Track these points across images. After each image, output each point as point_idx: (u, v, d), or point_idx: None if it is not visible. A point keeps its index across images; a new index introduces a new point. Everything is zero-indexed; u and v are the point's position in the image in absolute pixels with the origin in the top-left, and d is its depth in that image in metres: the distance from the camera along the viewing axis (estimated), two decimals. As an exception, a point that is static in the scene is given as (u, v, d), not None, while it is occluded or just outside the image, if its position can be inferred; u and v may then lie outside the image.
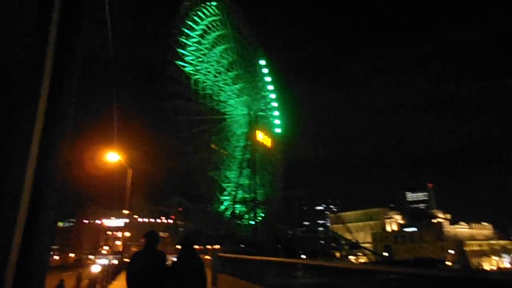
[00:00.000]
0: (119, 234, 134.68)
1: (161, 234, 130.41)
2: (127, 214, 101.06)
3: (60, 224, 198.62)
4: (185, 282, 7.23)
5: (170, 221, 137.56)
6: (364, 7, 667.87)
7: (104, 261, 76.28)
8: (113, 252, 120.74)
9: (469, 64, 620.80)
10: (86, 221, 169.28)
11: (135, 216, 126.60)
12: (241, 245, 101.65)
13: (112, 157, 27.23)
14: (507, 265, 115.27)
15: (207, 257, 16.57)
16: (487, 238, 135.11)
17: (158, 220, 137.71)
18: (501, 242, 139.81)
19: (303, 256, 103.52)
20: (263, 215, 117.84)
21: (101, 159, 29.22)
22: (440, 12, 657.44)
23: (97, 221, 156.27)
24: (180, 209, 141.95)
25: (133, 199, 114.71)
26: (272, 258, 8.38)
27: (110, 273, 21.67)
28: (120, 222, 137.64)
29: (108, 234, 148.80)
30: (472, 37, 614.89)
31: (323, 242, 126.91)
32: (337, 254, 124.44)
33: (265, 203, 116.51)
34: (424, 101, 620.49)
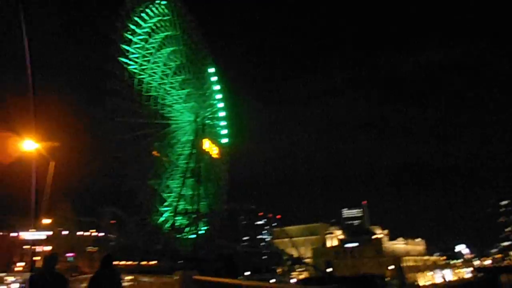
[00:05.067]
0: (39, 248, 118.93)
1: (89, 249, 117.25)
2: (49, 224, 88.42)
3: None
4: None
5: (101, 234, 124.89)
6: (315, 27, 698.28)
7: (18, 281, 64.83)
8: (31, 269, 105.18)
9: (405, 90, 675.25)
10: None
11: (59, 228, 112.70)
12: (179, 261, 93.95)
13: (28, 145, 20.66)
14: (439, 280, 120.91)
15: (165, 279, 10.70)
16: (421, 254, 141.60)
17: (87, 233, 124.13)
18: (433, 258, 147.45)
19: (247, 273, 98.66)
20: (205, 228, 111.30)
21: (15, 149, 22.42)
22: (384, 39, 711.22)
23: (12, 234, 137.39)
24: (113, 221, 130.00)
25: (58, 207, 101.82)
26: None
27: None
28: (40, 235, 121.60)
29: (25, 249, 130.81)
30: (414, 65, 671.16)
31: (265, 257, 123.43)
32: (279, 270, 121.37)
33: (208, 215, 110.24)
34: (363, 123, 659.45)
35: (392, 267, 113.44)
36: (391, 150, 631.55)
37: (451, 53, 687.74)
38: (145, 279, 15.85)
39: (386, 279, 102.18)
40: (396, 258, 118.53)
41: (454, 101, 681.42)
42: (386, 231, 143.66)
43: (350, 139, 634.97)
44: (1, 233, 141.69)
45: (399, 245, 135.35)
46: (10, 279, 75.42)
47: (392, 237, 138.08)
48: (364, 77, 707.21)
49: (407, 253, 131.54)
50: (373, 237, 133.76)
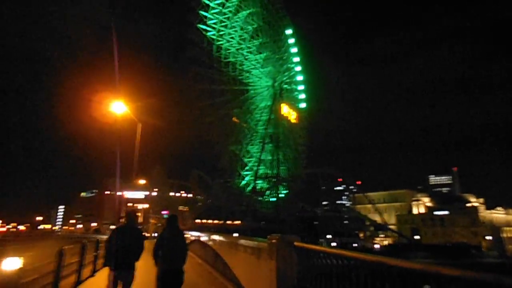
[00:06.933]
0: (140, 206, 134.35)
1: (181, 208, 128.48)
2: (145, 185, 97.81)
3: (83, 194, 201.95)
4: (169, 254, 8.00)
5: (190, 195, 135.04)
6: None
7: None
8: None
9: (501, 44, 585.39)
10: (108, 192, 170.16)
11: (155, 189, 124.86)
12: (262, 222, 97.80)
13: (117, 107, 22.05)
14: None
15: (258, 243, 7.80)
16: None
17: (178, 194, 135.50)
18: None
19: (329, 236, 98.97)
20: (285, 192, 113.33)
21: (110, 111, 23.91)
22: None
23: (118, 193, 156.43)
24: (200, 183, 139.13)
25: (153, 171, 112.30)
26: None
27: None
28: (139, 195, 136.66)
29: (128, 206, 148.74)
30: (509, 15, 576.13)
31: (347, 222, 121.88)
32: (361, 235, 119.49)
33: (288, 180, 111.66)
34: (453, 81, 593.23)
35: (489, 237, 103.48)
36: (487, 111, 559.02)
37: None
38: (234, 240, 13.18)
39: (482, 250, 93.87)
40: (495, 228, 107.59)
41: None
42: (481, 200, 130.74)
43: (440, 99, 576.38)
44: (110, 192, 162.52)
45: (498, 214, 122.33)
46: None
47: (489, 206, 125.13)
48: (462, 28, 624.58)
49: (508, 224, 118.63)
50: (467, 205, 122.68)
